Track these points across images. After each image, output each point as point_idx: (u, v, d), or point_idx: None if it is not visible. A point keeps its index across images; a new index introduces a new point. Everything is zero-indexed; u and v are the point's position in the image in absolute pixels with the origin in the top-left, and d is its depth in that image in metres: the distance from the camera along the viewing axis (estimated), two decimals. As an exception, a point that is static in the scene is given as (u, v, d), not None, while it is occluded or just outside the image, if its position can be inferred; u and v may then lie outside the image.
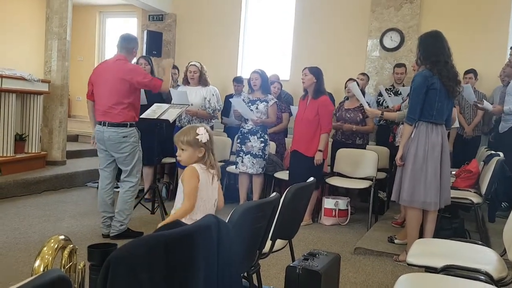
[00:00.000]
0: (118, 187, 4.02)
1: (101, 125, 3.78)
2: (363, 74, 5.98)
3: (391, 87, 5.88)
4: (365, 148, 5.18)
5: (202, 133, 2.29)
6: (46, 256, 1.55)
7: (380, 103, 5.82)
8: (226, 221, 1.72)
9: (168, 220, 2.33)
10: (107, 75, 3.77)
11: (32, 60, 8.20)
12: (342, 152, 5.04)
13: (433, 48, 3.37)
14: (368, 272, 3.44)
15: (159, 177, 5.85)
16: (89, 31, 9.44)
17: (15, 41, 8.41)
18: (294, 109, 5.29)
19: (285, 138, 5.82)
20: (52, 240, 1.64)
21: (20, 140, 5.63)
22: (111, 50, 9.29)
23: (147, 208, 4.75)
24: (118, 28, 9.39)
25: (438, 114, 3.37)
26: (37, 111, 5.90)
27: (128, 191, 3.84)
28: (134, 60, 4.44)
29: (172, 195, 5.54)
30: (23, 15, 8.67)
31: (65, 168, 6.09)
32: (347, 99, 5.40)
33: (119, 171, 3.99)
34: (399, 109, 4.39)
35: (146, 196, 4.98)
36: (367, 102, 4.58)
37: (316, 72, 4.52)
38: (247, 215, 1.88)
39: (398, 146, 3.65)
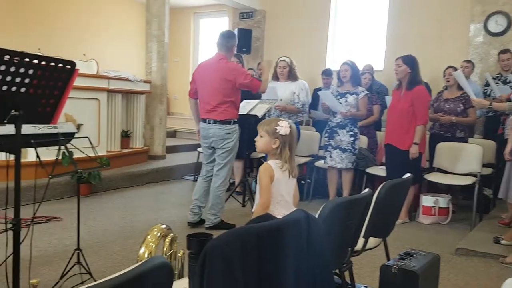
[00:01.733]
0: None
1: (205, 122, 3.96)
2: (468, 61, 5.52)
3: (498, 75, 5.35)
4: (467, 142, 4.80)
5: (283, 126, 2.31)
6: (150, 244, 1.67)
7: (488, 93, 5.30)
8: (316, 216, 1.70)
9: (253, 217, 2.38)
10: (210, 74, 3.92)
11: (135, 61, 8.88)
12: (442, 146, 4.73)
13: None
14: (471, 274, 3.20)
15: (249, 171, 6.00)
16: (185, 33, 9.95)
17: (120, 44, 9.18)
18: (389, 99, 5.06)
19: (377, 132, 5.61)
20: (155, 229, 1.76)
21: (125, 136, 6.14)
22: (204, 50, 9.70)
23: (238, 201, 4.90)
24: (210, 28, 9.77)
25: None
26: (140, 110, 6.38)
27: (220, 186, 3.99)
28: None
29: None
30: (126, 20, 9.42)
31: (165, 162, 6.52)
32: (446, 88, 5.03)
33: None
34: (509, 99, 3.98)
35: (237, 189, 5.14)
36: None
37: (411, 62, 4.24)
38: (337, 211, 1.84)
39: (507, 139, 3.32)
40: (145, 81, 6.42)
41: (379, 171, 4.82)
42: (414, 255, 2.36)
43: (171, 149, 7.24)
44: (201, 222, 4.10)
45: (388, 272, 2.23)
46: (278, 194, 2.31)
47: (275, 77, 5.18)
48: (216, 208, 3.99)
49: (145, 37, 6.71)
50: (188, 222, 4.07)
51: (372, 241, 2.44)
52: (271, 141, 2.32)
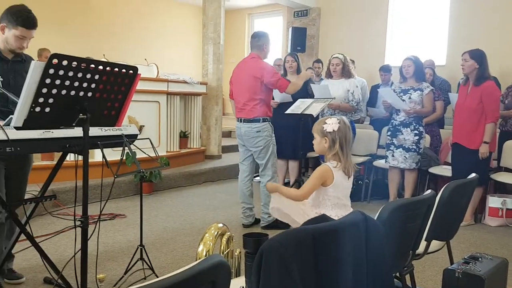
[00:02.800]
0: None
1: (238, 121, 4.04)
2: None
3: None
4: (540, 140, 4.47)
5: (329, 123, 2.26)
6: (208, 242, 1.71)
7: None
8: (375, 218, 1.66)
9: (280, 189, 2.32)
10: (242, 74, 4.01)
11: (192, 64, 9.14)
12: (510, 144, 4.43)
13: None
14: (546, 283, 2.97)
15: (304, 171, 5.96)
16: (240, 33, 10.08)
17: (178, 48, 9.48)
18: (453, 96, 4.82)
19: (440, 130, 5.35)
20: (213, 228, 1.80)
21: (183, 137, 6.33)
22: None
23: (294, 201, 4.88)
24: (265, 28, 9.82)
25: None
26: (197, 111, 6.56)
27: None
28: (276, 57, 4.51)
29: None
30: (183, 24, 9.71)
31: (221, 162, 6.64)
32: (517, 83, 4.71)
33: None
34: None
35: (293, 190, 5.11)
36: None
37: (479, 57, 4.01)
38: (398, 213, 1.78)
39: None
40: (202, 83, 6.58)
41: (443, 171, 4.61)
42: (480, 259, 2.24)
43: (227, 149, 7.36)
44: (257, 221, 4.13)
45: (452, 276, 2.14)
46: (335, 196, 2.26)
47: (329, 75, 5.09)
48: (268, 207, 4.01)
49: (202, 40, 6.88)
50: (243, 224, 4.12)
51: (435, 244, 2.34)
52: (322, 141, 2.29)
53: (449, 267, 2.20)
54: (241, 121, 4.01)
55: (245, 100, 3.95)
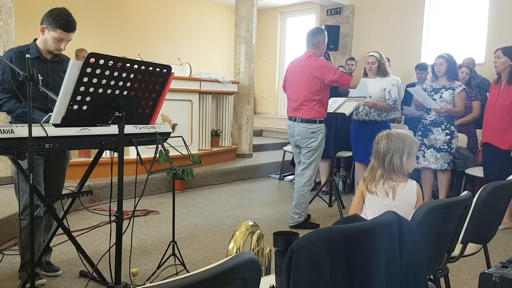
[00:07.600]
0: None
1: (292, 120, 3.98)
2: None
3: None
4: None
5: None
6: (238, 240, 1.72)
7: None
8: (409, 219, 1.62)
9: None
10: (298, 72, 3.93)
11: (224, 63, 9.21)
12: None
13: None
14: None
15: (335, 171, 5.89)
16: (272, 32, 10.07)
17: (210, 47, 9.57)
18: (491, 95, 4.66)
19: (478, 130, 5.18)
20: (243, 225, 1.81)
21: (215, 135, 6.39)
22: (291, 49, 9.73)
23: (325, 201, 4.84)
24: (297, 27, 9.77)
25: None
26: (229, 110, 6.60)
27: (304, 186, 3.97)
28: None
29: (349, 189, 5.52)
30: (215, 23, 9.79)
31: (251, 160, 6.66)
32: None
33: None
34: None
35: (323, 189, 5.08)
36: None
37: None
38: (432, 214, 1.74)
39: None
40: (234, 82, 6.62)
41: (480, 172, 4.46)
42: (520, 265, 2.14)
43: (258, 148, 7.38)
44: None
45: (489, 280, 2.06)
46: (370, 211, 2.21)
47: (364, 73, 5.00)
48: (300, 208, 3.99)
49: (234, 39, 6.91)
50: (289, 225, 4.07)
51: (471, 247, 2.28)
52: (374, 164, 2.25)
53: (486, 271, 2.12)
54: (295, 120, 3.93)
55: (302, 101, 3.88)
